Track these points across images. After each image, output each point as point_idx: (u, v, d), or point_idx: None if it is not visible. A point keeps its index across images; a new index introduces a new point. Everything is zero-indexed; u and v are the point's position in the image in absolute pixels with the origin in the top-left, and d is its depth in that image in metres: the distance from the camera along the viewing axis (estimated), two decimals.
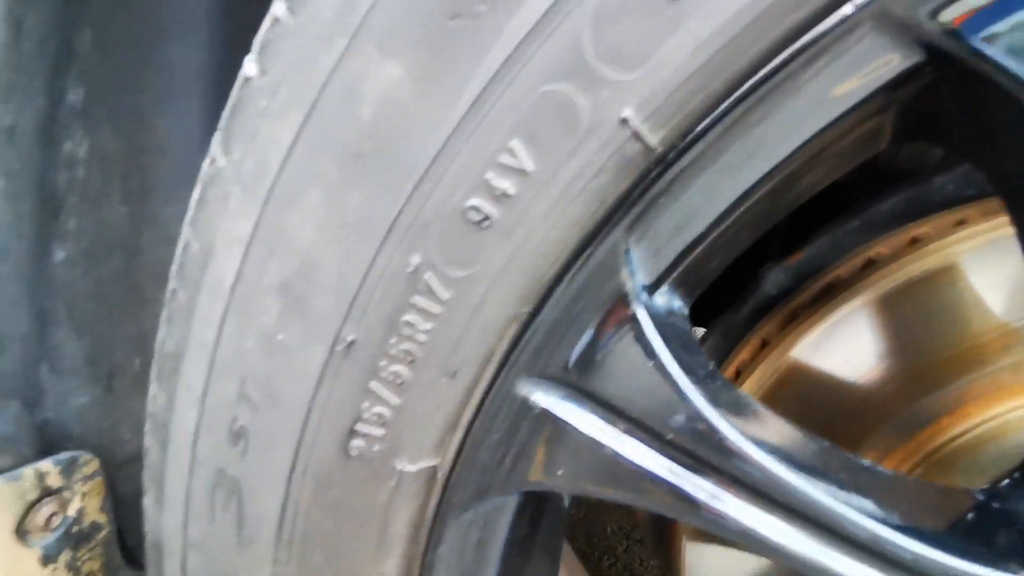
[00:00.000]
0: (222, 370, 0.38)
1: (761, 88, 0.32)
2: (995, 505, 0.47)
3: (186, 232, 0.40)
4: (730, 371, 0.67)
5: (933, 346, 0.60)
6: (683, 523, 0.71)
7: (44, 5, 0.44)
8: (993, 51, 0.31)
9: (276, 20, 0.34)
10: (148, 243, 0.63)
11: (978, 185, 0.64)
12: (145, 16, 0.52)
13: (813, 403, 0.62)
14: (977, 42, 0.31)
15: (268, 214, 0.35)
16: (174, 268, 0.40)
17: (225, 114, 0.38)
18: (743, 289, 0.72)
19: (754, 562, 0.70)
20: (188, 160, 0.62)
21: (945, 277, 0.59)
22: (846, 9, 0.30)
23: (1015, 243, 0.38)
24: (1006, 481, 0.46)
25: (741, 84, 0.32)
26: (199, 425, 0.39)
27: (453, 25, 0.31)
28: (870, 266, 0.61)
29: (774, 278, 0.70)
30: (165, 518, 0.43)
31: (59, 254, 0.53)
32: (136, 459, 0.69)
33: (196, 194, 0.39)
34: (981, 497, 0.47)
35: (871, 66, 0.32)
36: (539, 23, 0.30)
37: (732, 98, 0.32)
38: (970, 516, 0.47)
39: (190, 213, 0.40)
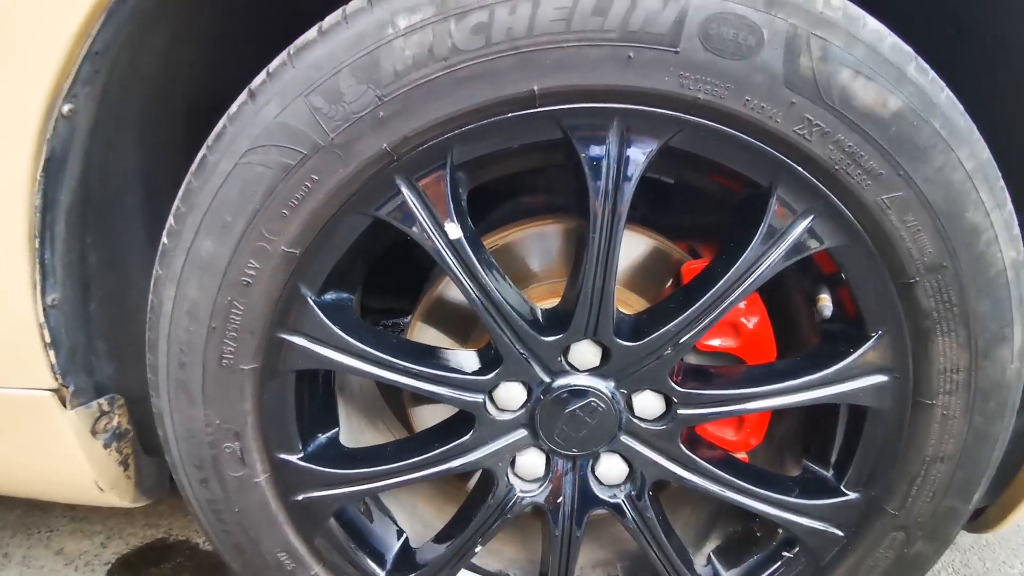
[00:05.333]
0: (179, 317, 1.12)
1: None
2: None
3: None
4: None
5: (530, 270, 1.38)
6: (407, 399, 1.48)
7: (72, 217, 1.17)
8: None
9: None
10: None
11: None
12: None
13: (454, 315, 1.40)
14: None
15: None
16: (152, 285, 1.13)
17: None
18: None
19: (445, 410, 1.46)
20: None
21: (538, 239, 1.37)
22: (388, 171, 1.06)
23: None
24: None
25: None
26: (169, 345, 1.13)
27: None
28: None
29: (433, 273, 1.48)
30: (159, 375, 1.16)
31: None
32: (141, 400, 1.41)
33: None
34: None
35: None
36: None
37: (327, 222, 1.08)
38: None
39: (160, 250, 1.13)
